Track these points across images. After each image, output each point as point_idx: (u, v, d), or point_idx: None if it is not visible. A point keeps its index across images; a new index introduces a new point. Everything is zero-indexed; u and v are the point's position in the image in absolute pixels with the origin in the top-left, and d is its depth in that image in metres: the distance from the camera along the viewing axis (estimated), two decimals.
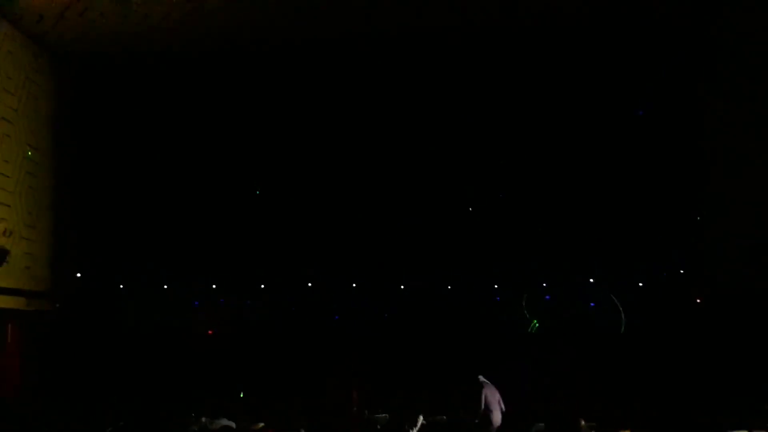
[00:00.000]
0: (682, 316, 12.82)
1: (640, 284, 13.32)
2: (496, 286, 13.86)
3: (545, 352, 12.77)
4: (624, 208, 13.38)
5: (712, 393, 11.47)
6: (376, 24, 12.82)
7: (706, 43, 13.05)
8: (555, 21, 12.79)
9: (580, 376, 12.45)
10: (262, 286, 14.40)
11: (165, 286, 14.55)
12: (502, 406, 11.22)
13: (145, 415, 11.85)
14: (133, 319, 14.59)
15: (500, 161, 13.88)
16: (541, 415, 11.04)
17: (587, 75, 13.54)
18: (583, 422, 10.16)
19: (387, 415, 11.98)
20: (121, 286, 14.66)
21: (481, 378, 11.31)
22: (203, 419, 10.80)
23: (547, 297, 13.73)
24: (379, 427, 11.55)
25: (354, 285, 14.24)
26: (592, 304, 13.52)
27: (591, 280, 13.49)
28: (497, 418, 11.11)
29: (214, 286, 14.42)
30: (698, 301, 12.86)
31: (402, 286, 14.07)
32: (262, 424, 10.37)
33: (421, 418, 10.69)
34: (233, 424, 10.58)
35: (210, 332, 14.56)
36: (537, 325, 13.54)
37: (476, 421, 11.07)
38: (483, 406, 11.06)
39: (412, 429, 10.51)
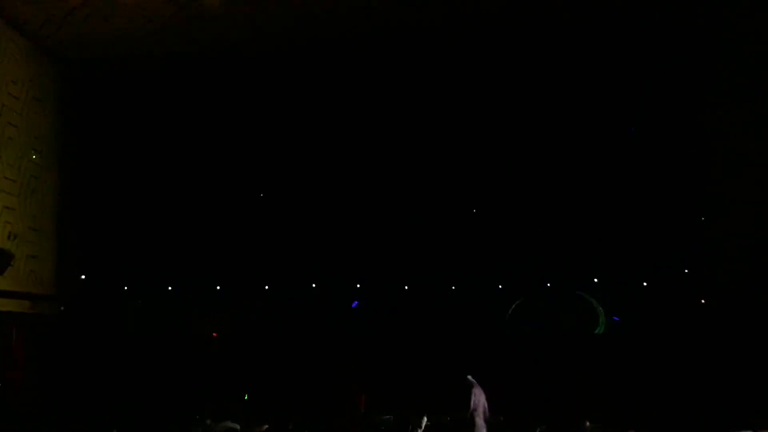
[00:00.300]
0: (685, 317, 12.83)
1: (644, 284, 13.31)
2: (500, 287, 13.82)
3: (548, 353, 12.79)
4: (625, 209, 13.37)
5: (716, 393, 11.50)
6: (376, 24, 12.82)
7: (706, 43, 13.05)
8: (555, 21, 12.79)
9: (583, 377, 12.46)
10: (266, 287, 14.38)
11: (169, 288, 14.55)
12: (487, 412, 10.43)
13: (150, 418, 11.91)
14: (137, 322, 14.68)
15: (506, 168, 13.83)
16: (546, 417, 11.04)
17: (587, 75, 13.49)
18: (588, 423, 10.22)
19: (391, 416, 11.95)
20: (125, 289, 14.67)
21: (470, 378, 10.56)
22: (207, 421, 10.86)
23: (551, 297, 13.76)
24: (383, 428, 11.56)
25: (358, 286, 14.26)
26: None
27: (595, 281, 13.54)
28: (480, 422, 10.32)
29: (218, 288, 14.43)
30: (702, 301, 12.88)
31: (406, 287, 14.06)
32: (266, 426, 10.41)
33: (425, 419, 10.65)
34: (237, 426, 10.63)
35: (215, 335, 14.58)
36: (603, 323, 13.51)
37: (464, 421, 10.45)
38: (471, 407, 10.30)
39: (417, 430, 10.49)
